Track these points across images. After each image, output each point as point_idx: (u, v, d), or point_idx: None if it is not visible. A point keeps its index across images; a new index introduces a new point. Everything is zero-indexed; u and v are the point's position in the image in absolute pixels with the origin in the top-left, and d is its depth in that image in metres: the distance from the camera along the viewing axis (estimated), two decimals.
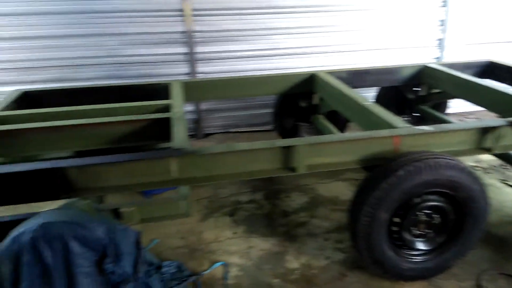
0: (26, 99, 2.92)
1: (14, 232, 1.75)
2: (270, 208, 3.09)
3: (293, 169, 2.14)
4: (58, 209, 1.92)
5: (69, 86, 3.43)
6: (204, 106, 4.45)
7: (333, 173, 3.49)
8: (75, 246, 1.74)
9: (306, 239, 2.72)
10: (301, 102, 3.74)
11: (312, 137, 2.22)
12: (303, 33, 4.31)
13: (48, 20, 3.75)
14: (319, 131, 3.54)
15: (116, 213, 2.11)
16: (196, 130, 4.48)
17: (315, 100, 3.66)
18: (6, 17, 3.67)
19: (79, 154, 2.55)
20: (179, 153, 2.00)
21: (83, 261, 1.77)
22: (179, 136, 2.18)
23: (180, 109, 2.55)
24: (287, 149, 2.10)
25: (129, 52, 3.99)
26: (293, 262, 2.51)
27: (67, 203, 1.99)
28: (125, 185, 1.98)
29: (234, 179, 2.11)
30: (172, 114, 2.44)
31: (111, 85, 3.28)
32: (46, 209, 1.92)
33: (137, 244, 1.96)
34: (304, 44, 4.36)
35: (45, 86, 3.71)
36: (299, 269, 2.46)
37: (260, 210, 3.07)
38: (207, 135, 4.58)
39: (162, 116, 2.43)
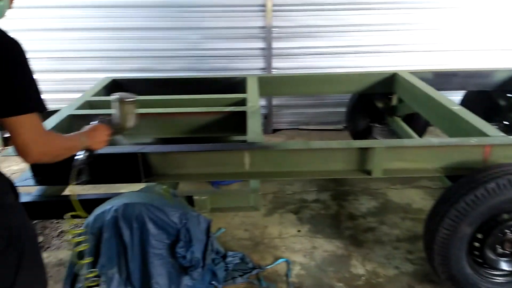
0: (114, 86, 3.14)
1: (98, 210, 1.88)
2: (336, 210, 3.01)
3: (368, 172, 2.06)
4: (138, 191, 2.03)
5: (152, 76, 3.63)
6: (275, 101, 4.45)
7: (407, 179, 3.29)
8: (151, 228, 1.83)
9: (374, 245, 2.61)
10: (378, 103, 3.59)
11: (392, 140, 2.13)
12: (384, 30, 4.12)
13: (135, 13, 3.96)
14: (396, 134, 3.37)
15: (189, 200, 2.19)
16: (265, 125, 4.51)
17: (394, 101, 3.49)
18: (99, 9, 3.94)
19: (158, 141, 2.69)
20: (255, 147, 2.02)
21: (157, 242, 1.86)
22: (254, 130, 2.20)
23: (256, 103, 2.57)
24: (364, 151, 2.02)
25: (209, 45, 4.10)
26: (358, 268, 2.42)
27: (146, 187, 2.10)
28: (201, 174, 2.05)
29: (307, 177, 2.09)
30: (248, 108, 2.47)
31: (191, 77, 3.42)
32: (125, 191, 2.05)
33: (208, 232, 2.02)
34: (384, 42, 4.17)
35: (131, 75, 3.94)
36: (364, 275, 2.36)
37: (325, 211, 3.00)
38: (275, 130, 4.59)
39: (238, 110, 2.47)
